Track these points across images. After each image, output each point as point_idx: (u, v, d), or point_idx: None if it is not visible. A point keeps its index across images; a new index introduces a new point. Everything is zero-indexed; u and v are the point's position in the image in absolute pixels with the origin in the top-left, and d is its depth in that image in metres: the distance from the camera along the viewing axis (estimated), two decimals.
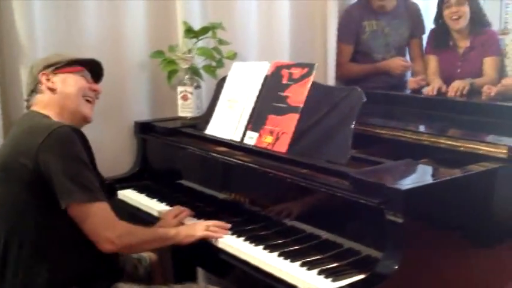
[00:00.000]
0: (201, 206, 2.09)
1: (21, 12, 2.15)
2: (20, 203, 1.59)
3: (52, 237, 1.60)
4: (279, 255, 1.63)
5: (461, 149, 1.74)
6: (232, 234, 1.80)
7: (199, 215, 1.99)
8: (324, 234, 1.66)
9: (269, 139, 1.99)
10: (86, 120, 1.81)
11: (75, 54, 1.89)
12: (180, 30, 2.53)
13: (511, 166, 1.65)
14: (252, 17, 2.80)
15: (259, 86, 2.14)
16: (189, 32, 2.46)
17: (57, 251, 1.61)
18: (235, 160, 1.98)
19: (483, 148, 1.69)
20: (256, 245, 1.71)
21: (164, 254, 2.23)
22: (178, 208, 1.99)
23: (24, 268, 1.60)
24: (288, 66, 2.08)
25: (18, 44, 2.15)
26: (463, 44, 2.96)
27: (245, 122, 2.11)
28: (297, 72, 2.02)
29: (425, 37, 3.20)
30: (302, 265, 1.56)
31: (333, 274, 1.50)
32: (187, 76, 2.50)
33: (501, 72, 2.96)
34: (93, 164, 1.68)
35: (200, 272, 2.59)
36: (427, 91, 2.77)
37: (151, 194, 2.26)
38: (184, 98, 2.49)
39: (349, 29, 3.08)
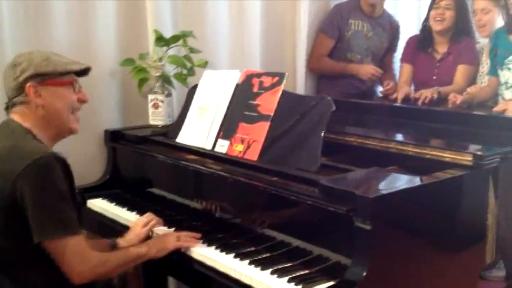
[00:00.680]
0: (172, 214, 2.09)
1: None
2: None
3: (21, 258, 1.57)
4: (250, 263, 1.64)
5: (428, 156, 1.77)
6: (203, 242, 1.81)
7: (171, 223, 1.98)
8: (294, 242, 1.67)
9: (240, 147, 2.00)
10: (72, 133, 1.73)
11: (64, 59, 1.72)
12: (151, 38, 2.52)
13: (475, 173, 1.68)
14: (223, 25, 2.81)
15: (230, 95, 2.14)
16: (160, 40, 2.46)
17: (26, 269, 1.58)
18: (206, 168, 1.98)
19: (449, 156, 1.72)
20: (227, 253, 1.72)
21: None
22: (147, 217, 1.97)
23: None
24: (259, 75, 2.09)
25: None
26: (442, 49, 3.01)
27: (216, 130, 2.12)
28: (267, 80, 2.04)
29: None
30: (273, 273, 1.57)
31: (302, 281, 1.51)
32: (158, 84, 2.49)
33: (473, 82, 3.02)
34: (73, 190, 1.62)
35: (171, 282, 2.57)
36: (394, 97, 2.86)
37: (121, 202, 2.24)
38: (155, 106, 2.48)
39: (335, 23, 3.13)
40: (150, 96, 2.49)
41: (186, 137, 2.24)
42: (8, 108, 1.69)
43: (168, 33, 2.53)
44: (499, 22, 2.84)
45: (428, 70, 3.02)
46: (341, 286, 1.45)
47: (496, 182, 1.78)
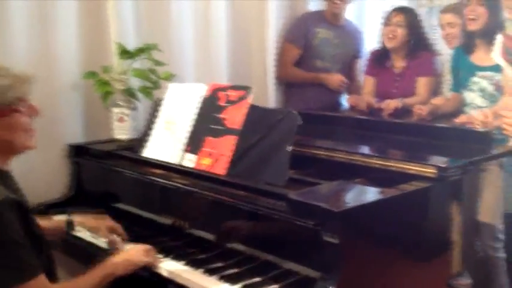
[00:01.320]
0: (138, 230, 2.05)
1: None
2: None
3: None
4: (219, 279, 1.63)
5: (393, 168, 1.80)
6: (172, 258, 1.78)
7: (138, 239, 1.94)
8: (263, 256, 1.67)
9: (207, 161, 1.99)
10: (29, 149, 1.67)
11: (6, 79, 1.58)
12: (114, 51, 2.49)
13: (439, 185, 1.72)
14: (189, 37, 2.80)
15: (196, 108, 2.13)
16: (124, 53, 2.43)
17: None
18: (173, 183, 1.96)
19: (413, 168, 1.75)
20: (196, 268, 1.70)
21: None
22: (113, 224, 1.94)
23: None
24: (225, 89, 2.09)
25: None
26: (400, 64, 3.08)
27: (183, 144, 2.10)
28: (234, 94, 2.04)
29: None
30: None
31: None
32: (122, 97, 2.46)
33: (436, 92, 3.09)
34: (32, 230, 1.56)
35: None
36: (360, 107, 2.94)
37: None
38: (121, 120, 2.45)
39: (301, 32, 3.17)
40: (115, 110, 2.46)
41: (152, 151, 2.21)
42: None
43: (131, 45, 2.51)
44: None
45: (388, 83, 3.09)
46: None
47: (459, 193, 1.81)
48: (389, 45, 3.03)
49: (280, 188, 1.73)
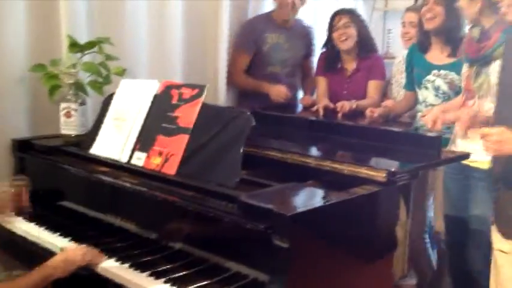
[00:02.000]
0: (84, 229, 1.99)
1: None
2: None
3: None
4: (165, 282, 1.59)
5: (345, 172, 1.80)
6: (117, 260, 1.73)
7: (82, 239, 1.89)
8: (213, 259, 1.64)
9: (158, 160, 1.94)
10: None
11: None
12: (65, 43, 2.41)
13: (388, 189, 1.73)
14: (143, 31, 2.74)
15: (148, 105, 2.08)
16: (74, 46, 2.35)
17: None
18: (121, 182, 1.91)
19: (364, 171, 1.76)
20: (142, 271, 1.66)
21: None
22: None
23: None
24: (178, 86, 2.05)
25: None
26: (350, 66, 3.12)
27: (133, 142, 2.05)
28: (187, 92, 2.00)
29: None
30: None
31: None
32: (71, 92, 2.39)
33: (386, 94, 3.15)
34: None
35: None
36: (315, 109, 2.95)
37: (29, 216, 2.11)
38: (68, 115, 2.37)
39: (249, 38, 3.14)
40: (63, 105, 2.38)
41: (100, 148, 2.15)
42: None
43: (83, 38, 2.44)
44: None
45: (339, 85, 3.12)
46: None
47: (408, 197, 1.84)
48: (344, 47, 3.05)
49: (231, 189, 1.71)
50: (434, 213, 2.76)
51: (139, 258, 1.74)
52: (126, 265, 1.69)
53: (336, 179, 1.79)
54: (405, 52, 3.07)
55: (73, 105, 2.37)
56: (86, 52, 2.39)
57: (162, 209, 1.80)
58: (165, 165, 1.91)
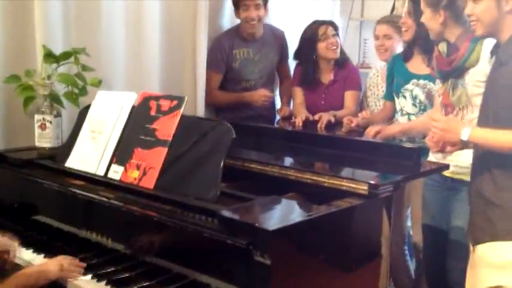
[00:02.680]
0: (59, 244, 1.94)
1: None
2: None
3: None
4: None
5: (326, 184, 1.78)
6: (92, 277, 1.69)
7: (57, 255, 1.81)
8: (192, 275, 1.60)
9: (135, 174, 1.90)
10: None
11: None
12: (40, 54, 2.35)
13: (371, 202, 1.72)
14: (120, 43, 2.69)
15: (125, 117, 2.05)
16: (49, 56, 2.30)
17: None
18: (97, 196, 1.86)
19: (346, 184, 1.74)
20: None
21: None
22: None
23: None
24: (157, 98, 2.01)
25: None
26: (328, 77, 3.12)
27: (110, 155, 2.01)
28: (165, 104, 1.96)
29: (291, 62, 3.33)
30: None
31: None
32: (46, 103, 2.33)
33: (362, 105, 3.17)
34: None
35: None
36: (293, 121, 2.94)
37: (1, 232, 2.04)
38: (42, 127, 2.31)
39: (219, 57, 3.11)
40: (37, 116, 2.32)
41: (76, 161, 2.10)
42: None
43: (58, 49, 2.39)
44: (399, 48, 2.99)
45: (316, 96, 3.12)
46: None
47: (389, 209, 1.83)
48: (335, 55, 3.07)
49: (211, 203, 1.68)
50: (412, 224, 2.78)
51: (116, 275, 1.70)
52: (103, 283, 1.65)
53: (317, 192, 1.77)
54: (381, 64, 3.10)
55: (48, 117, 2.32)
56: (61, 63, 2.34)
57: (140, 224, 1.76)
58: (143, 179, 1.87)
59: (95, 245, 1.86)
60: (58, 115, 2.36)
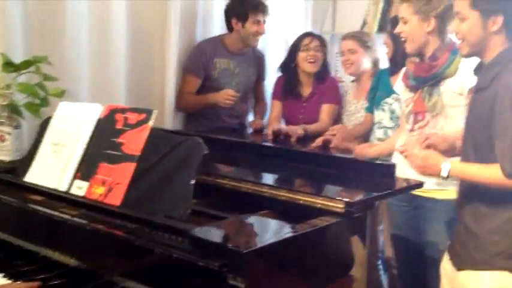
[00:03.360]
0: (18, 264, 1.83)
1: None
2: None
3: None
4: None
5: (301, 202, 1.74)
6: None
7: (17, 275, 1.74)
8: None
9: (101, 190, 1.81)
10: None
11: None
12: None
13: (346, 220, 1.68)
14: (84, 50, 2.62)
15: (90, 130, 1.96)
16: (9, 65, 2.22)
17: None
18: (59, 213, 1.77)
19: (321, 202, 1.70)
20: None
21: None
22: None
23: None
24: (123, 111, 1.93)
25: None
26: (307, 90, 3.13)
27: (73, 170, 1.91)
28: (133, 117, 1.89)
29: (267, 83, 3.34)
30: None
31: None
32: (4, 114, 2.23)
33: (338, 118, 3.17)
34: None
35: None
36: (265, 133, 2.98)
37: None
38: (1, 138, 2.22)
39: (199, 62, 3.10)
40: None
41: (36, 175, 2.00)
42: None
43: (18, 57, 2.30)
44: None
45: (295, 109, 3.13)
46: None
47: (363, 227, 1.79)
48: (312, 69, 3.09)
49: (182, 222, 1.60)
50: (384, 239, 2.76)
51: None
52: None
53: (291, 209, 1.73)
54: (350, 78, 3.13)
55: (7, 129, 2.23)
56: (21, 72, 2.26)
57: (106, 243, 1.67)
58: (109, 195, 1.79)
59: (57, 264, 1.76)
60: (18, 126, 2.27)
